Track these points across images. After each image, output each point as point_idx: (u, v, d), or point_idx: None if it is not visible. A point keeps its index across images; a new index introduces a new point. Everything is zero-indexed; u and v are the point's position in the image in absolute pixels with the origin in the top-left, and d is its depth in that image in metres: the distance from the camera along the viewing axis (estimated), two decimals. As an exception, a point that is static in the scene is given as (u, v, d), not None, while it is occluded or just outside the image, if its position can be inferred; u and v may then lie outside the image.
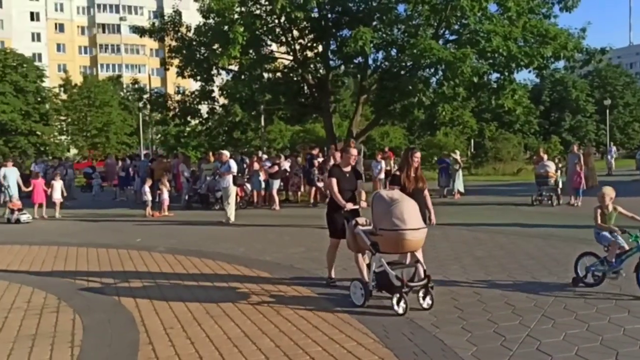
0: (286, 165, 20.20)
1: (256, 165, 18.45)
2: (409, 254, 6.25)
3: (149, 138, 54.05)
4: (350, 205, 6.65)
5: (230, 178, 14.43)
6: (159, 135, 50.68)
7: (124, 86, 62.90)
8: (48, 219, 16.29)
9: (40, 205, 16.65)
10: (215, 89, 22.82)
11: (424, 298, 5.82)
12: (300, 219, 14.68)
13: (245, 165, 20.11)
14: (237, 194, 15.85)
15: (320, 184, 18.05)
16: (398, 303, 5.64)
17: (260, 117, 24.68)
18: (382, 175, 19.24)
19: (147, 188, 16.97)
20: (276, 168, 17.72)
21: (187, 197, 19.36)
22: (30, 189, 16.81)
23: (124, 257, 9.64)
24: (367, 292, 5.93)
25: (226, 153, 15.27)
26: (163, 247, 10.57)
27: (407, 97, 18.77)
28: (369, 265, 6.17)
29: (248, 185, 18.55)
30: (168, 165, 21.81)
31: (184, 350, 4.83)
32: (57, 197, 16.91)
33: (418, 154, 6.83)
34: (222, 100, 23.13)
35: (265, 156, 21.04)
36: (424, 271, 5.97)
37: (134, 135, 55.90)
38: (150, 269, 8.55)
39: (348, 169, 7.04)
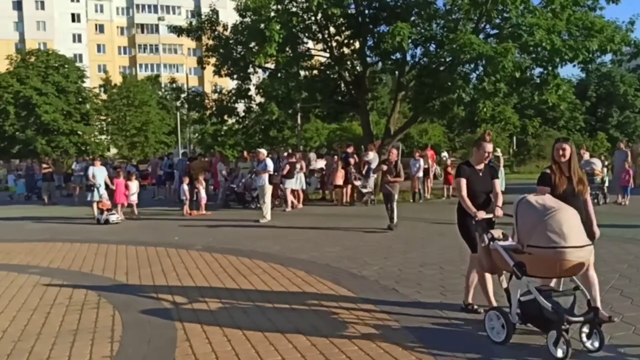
0: (321, 164, 20.26)
1: (302, 164, 18.57)
2: (561, 279, 5.20)
3: (187, 137, 54.85)
4: (482, 214, 5.34)
5: (266, 177, 14.56)
6: (197, 134, 51.40)
7: (162, 86, 63.90)
8: (133, 218, 16.03)
9: (122, 206, 16.35)
10: (252, 87, 22.99)
11: (588, 337, 4.60)
12: (337, 218, 14.75)
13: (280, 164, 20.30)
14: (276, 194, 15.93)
15: (357, 183, 18.05)
16: (556, 344, 4.41)
17: (297, 115, 24.72)
18: (421, 174, 19.09)
19: (185, 187, 17.25)
20: (288, 168, 17.60)
21: (224, 196, 19.58)
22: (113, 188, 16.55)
23: (161, 254, 9.81)
24: (509, 325, 4.75)
25: (263, 151, 15.42)
26: (200, 245, 10.71)
27: (446, 94, 18.54)
28: (508, 290, 4.98)
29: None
30: (206, 164, 22.08)
31: (221, 347, 4.89)
32: (134, 199, 16.88)
33: (566, 146, 5.20)
34: (259, 99, 23.29)
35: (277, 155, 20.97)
36: (589, 301, 4.69)
37: (172, 135, 56.82)
38: (188, 266, 8.69)
39: (481, 166, 5.74)
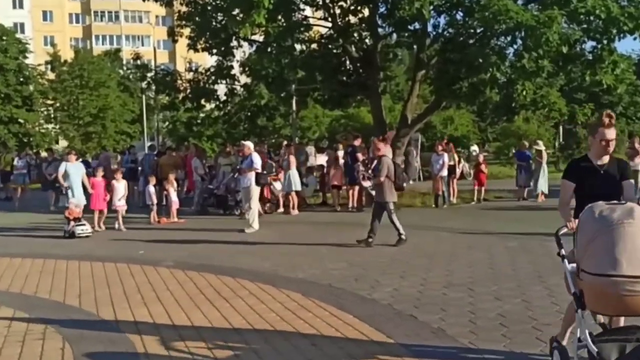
0: (321, 160, 20.24)
1: (292, 160, 18.57)
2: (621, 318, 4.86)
3: (154, 126, 54.84)
4: (575, 224, 4.71)
5: (252, 176, 14.59)
6: (167, 123, 51.40)
7: (124, 62, 63.90)
8: (106, 229, 15.75)
9: (101, 214, 15.95)
10: (236, 64, 22.98)
11: None
12: (341, 227, 14.82)
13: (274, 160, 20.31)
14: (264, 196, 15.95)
15: (367, 183, 18.02)
16: None
17: (291, 100, 24.71)
18: (445, 172, 19.07)
19: (152, 188, 17.24)
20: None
21: (201, 200, 19.60)
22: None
23: (123, 273, 9.82)
24: None
25: (248, 145, 15.43)
26: (171, 260, 10.74)
27: (476, 73, 18.52)
28: (603, 326, 4.74)
29: (277, 185, 18.67)
30: (178, 161, 22.12)
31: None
32: (121, 204, 16.03)
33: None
34: (244, 79, 23.28)
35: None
36: None
37: (136, 124, 56.82)
38: (156, 287, 8.69)
39: (604, 161, 5.24)
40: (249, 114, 25.34)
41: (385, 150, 18.16)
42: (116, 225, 15.70)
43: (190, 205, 19.73)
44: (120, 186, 16.19)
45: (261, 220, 15.04)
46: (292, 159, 18.68)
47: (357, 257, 10.64)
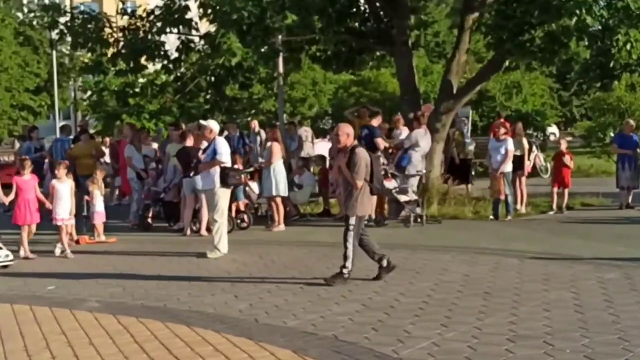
0: (322, 148, 20.18)
1: (276, 148, 18.44)
2: None
3: (70, 98, 54.68)
4: None
5: (216, 173, 14.60)
6: (89, 93, 51.21)
7: (24, 2, 63.75)
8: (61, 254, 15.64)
9: (29, 230, 15.71)
10: (193, 4, 22.94)
11: None
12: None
13: (246, 147, 20.31)
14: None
15: (390, 184, 18.02)
16: None
17: (277, 58, 24.69)
18: (509, 167, 18.97)
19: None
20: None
21: (140, 208, 19.63)
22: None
23: (24, 319, 9.82)
24: None
25: (212, 126, 15.37)
26: (96, 300, 10.78)
27: (555, 17, 18.51)
28: None
29: (254, 186, 18.65)
30: (99, 149, 22.14)
31: None
32: (64, 216, 15.82)
33: None
34: (205, 27, 23.23)
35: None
36: None
37: (42, 94, 56.67)
38: (73, 341, 8.66)
39: None
40: (213, 79, 25.31)
41: (418, 135, 18.39)
42: (57, 250, 15.60)
43: (125, 217, 19.76)
44: (64, 188, 15.96)
45: (231, 240, 15.06)
46: (277, 147, 18.56)
47: (376, 296, 10.66)
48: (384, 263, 11.84)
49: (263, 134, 22.29)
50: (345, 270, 11.56)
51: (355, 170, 11.52)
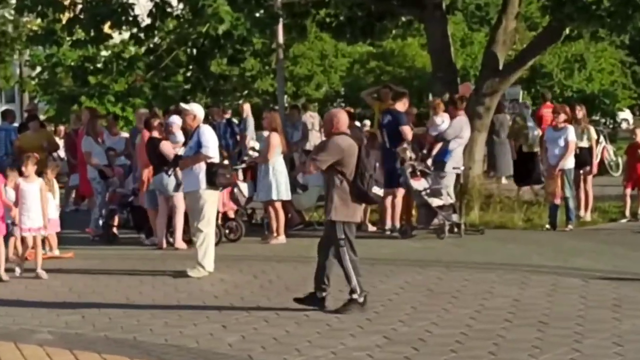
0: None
1: (274, 139, 18.40)
2: None
3: (15, 76, 54.83)
4: None
5: (201, 171, 14.54)
6: (39, 70, 51.32)
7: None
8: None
9: None
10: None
11: None
12: (375, 267, 14.66)
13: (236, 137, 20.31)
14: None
15: (419, 184, 17.98)
16: None
17: (275, 25, 24.72)
18: (570, 163, 18.89)
19: (10, 194, 17.14)
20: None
21: (103, 215, 19.62)
22: None
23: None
24: None
25: (195, 111, 15.31)
26: (48, 331, 10.76)
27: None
28: None
29: (243, 187, 18.64)
30: (51, 140, 22.19)
31: None
32: (26, 225, 15.74)
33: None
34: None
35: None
36: None
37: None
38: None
39: None
40: (195, 51, 25.35)
41: (462, 123, 18.31)
42: (17, 271, 15.66)
43: (84, 226, 19.70)
44: (32, 189, 16.05)
45: (219, 255, 15.02)
46: (275, 138, 18.53)
47: (402, 326, 10.65)
48: (322, 295, 11.68)
49: (251, 118, 22.34)
50: (355, 295, 11.42)
51: (321, 155, 11.59)
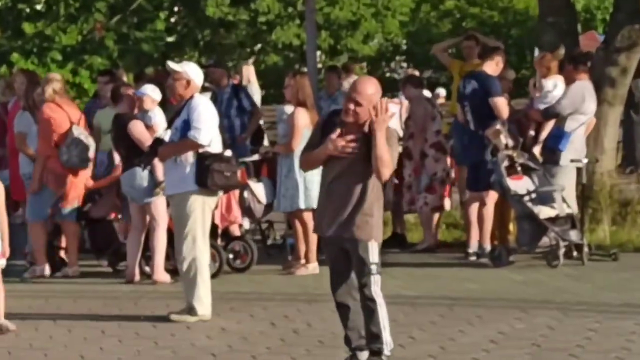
0: (392, 121, 20.15)
1: (301, 117, 18.34)
2: None
3: None
4: None
5: (188, 164, 14.46)
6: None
7: None
8: None
9: None
10: None
11: None
12: (456, 312, 14.79)
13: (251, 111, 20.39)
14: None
15: (519, 185, 17.95)
16: None
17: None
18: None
19: None
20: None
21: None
22: None
23: None
24: None
25: (190, 74, 15.21)
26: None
27: None
28: None
29: (259, 190, 18.60)
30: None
31: None
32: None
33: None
34: None
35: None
36: None
37: None
38: None
39: None
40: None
41: (585, 90, 18.20)
42: None
43: (17, 248, 19.65)
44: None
45: (218, 293, 14.93)
46: (303, 115, 18.48)
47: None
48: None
49: (256, 87, 22.44)
50: (386, 348, 11.13)
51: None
